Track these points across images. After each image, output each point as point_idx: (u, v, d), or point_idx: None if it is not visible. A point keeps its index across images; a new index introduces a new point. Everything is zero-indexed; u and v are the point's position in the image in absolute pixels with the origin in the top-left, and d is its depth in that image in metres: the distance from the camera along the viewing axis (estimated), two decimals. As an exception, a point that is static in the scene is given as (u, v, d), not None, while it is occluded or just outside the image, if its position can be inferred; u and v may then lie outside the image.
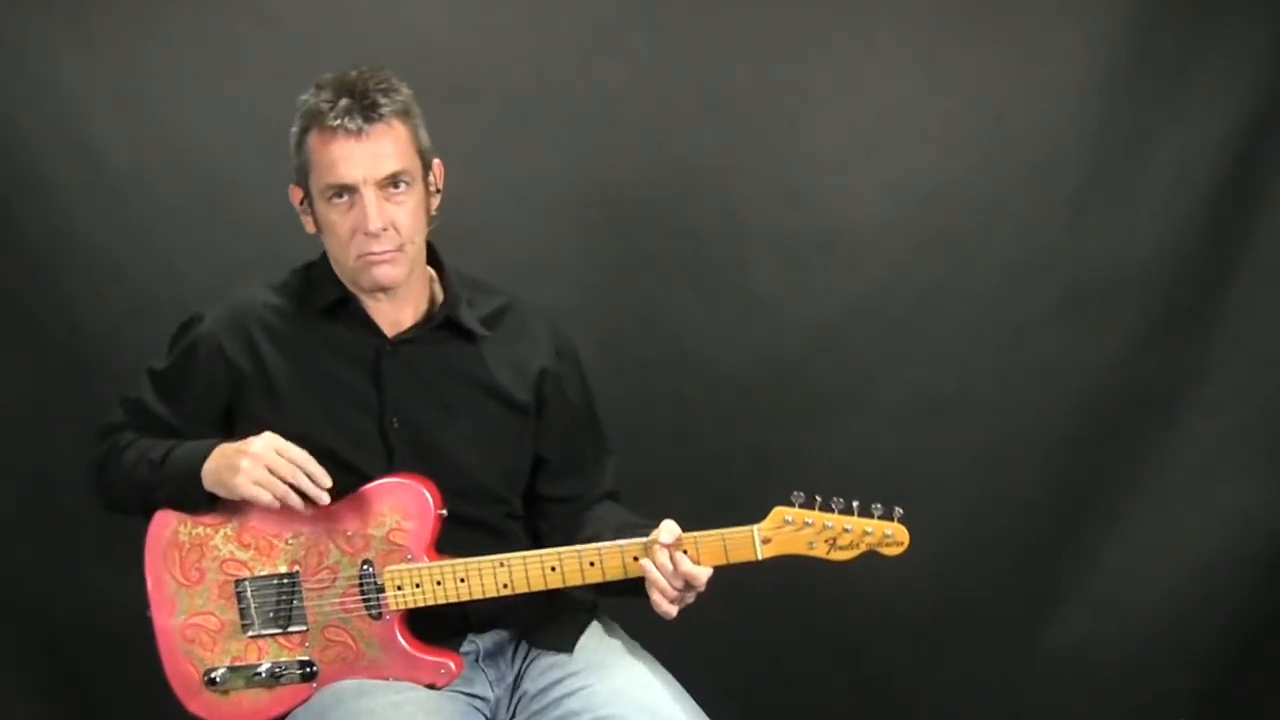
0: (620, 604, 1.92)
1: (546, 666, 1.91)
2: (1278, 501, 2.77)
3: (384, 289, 1.87)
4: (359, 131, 1.79)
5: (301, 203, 1.90)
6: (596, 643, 1.94)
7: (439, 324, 1.93)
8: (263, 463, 1.78)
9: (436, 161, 1.92)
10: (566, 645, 1.93)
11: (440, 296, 1.96)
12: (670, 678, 1.89)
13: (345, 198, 1.82)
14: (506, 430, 1.95)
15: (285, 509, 1.81)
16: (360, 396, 1.90)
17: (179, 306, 2.47)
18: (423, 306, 1.94)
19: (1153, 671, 2.83)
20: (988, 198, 2.75)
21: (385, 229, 1.81)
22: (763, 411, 2.79)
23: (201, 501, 1.86)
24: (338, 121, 1.78)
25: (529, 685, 1.91)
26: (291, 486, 1.78)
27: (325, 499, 1.79)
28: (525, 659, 1.96)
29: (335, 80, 1.83)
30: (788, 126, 2.75)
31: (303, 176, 1.86)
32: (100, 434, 2.00)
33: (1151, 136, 2.71)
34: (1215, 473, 2.77)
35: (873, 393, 2.79)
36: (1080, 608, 2.82)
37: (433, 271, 1.97)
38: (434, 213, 1.92)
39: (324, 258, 1.94)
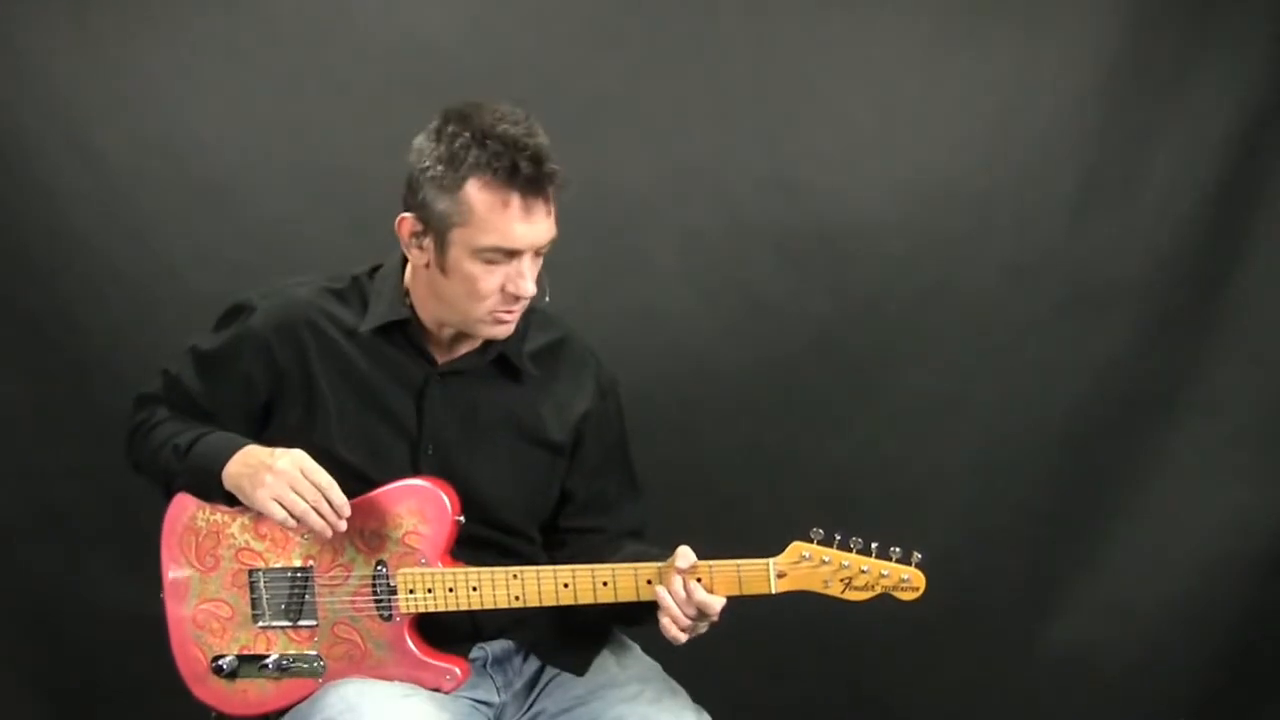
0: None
1: (567, 688, 1.91)
2: (1278, 502, 2.77)
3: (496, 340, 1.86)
4: (539, 202, 1.75)
5: (417, 235, 1.80)
6: (615, 666, 1.94)
7: (491, 359, 1.91)
8: (286, 481, 1.75)
9: None
10: (580, 666, 1.93)
11: None
12: (687, 699, 1.89)
13: (502, 259, 1.77)
14: (538, 469, 1.94)
15: None
16: (400, 420, 1.88)
17: (179, 307, 2.48)
18: (478, 338, 1.90)
19: (1153, 672, 2.82)
20: (988, 197, 2.75)
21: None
22: (763, 412, 2.79)
23: (220, 498, 1.85)
24: (523, 189, 1.73)
25: (549, 704, 1.91)
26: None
27: (342, 527, 1.78)
28: (541, 674, 1.95)
29: (495, 131, 1.73)
30: (788, 125, 2.74)
31: (439, 221, 1.76)
32: (137, 402, 1.98)
33: (1152, 136, 2.72)
34: (1216, 473, 2.77)
35: (873, 393, 2.79)
36: (1080, 608, 2.82)
37: None
38: None
39: (394, 270, 1.90)
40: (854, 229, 2.75)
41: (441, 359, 1.90)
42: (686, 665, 1.95)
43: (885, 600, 1.74)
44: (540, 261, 1.81)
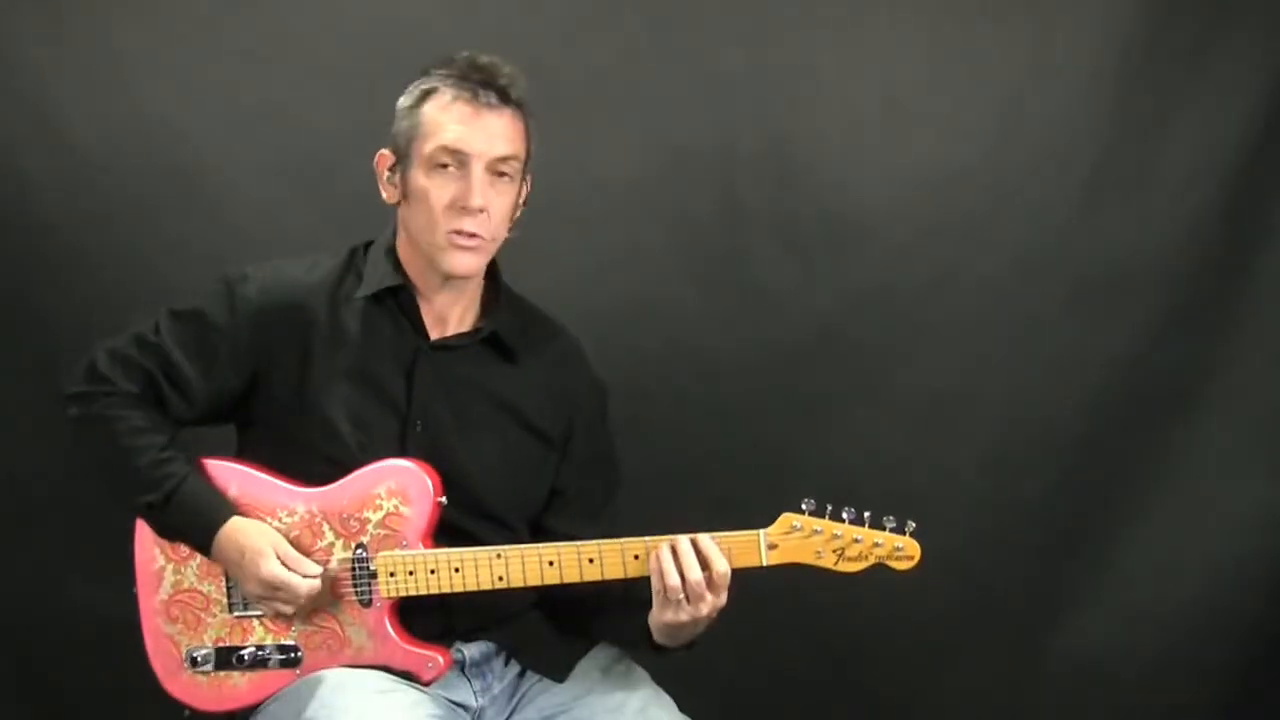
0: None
1: (550, 695, 1.88)
2: (1296, 499, 2.75)
3: (458, 277, 1.85)
4: (487, 105, 1.81)
5: (391, 169, 1.87)
6: (599, 673, 1.90)
7: (483, 338, 1.91)
8: (262, 592, 1.80)
9: (530, 175, 1.92)
10: (560, 671, 1.89)
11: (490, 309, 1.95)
12: (675, 710, 1.86)
13: (451, 168, 1.80)
14: (525, 456, 1.93)
15: (280, 490, 1.83)
16: (389, 393, 1.86)
17: (152, 299, 2.41)
18: (470, 315, 1.92)
19: (1168, 677, 2.79)
20: (998, 185, 2.73)
21: (483, 210, 1.81)
22: (763, 406, 2.76)
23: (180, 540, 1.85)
24: (468, 92, 1.81)
25: (530, 712, 1.88)
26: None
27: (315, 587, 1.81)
28: (522, 680, 1.92)
29: (467, 60, 1.84)
30: (790, 110, 2.72)
31: (403, 142, 1.84)
32: (90, 373, 1.90)
33: (1167, 122, 2.70)
34: (1233, 470, 2.74)
35: (878, 387, 2.76)
36: (1093, 611, 2.79)
37: (484, 283, 1.95)
38: (513, 221, 1.91)
39: (386, 240, 1.91)
40: (858, 218, 2.73)
41: (435, 334, 1.89)
42: (678, 670, 1.90)
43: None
44: (505, 191, 1.83)
